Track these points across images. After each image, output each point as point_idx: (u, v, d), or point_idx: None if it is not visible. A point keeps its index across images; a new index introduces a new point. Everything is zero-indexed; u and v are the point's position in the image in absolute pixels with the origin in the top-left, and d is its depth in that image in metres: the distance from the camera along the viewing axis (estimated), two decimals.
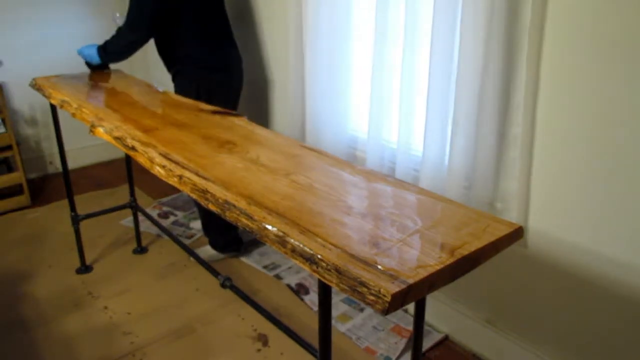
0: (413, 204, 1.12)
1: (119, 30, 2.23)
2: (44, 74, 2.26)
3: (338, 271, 0.87)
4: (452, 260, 0.91)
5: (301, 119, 2.35)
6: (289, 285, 2.30)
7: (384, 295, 0.81)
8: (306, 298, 2.21)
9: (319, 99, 2.19)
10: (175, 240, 2.24)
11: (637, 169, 1.35)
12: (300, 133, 2.36)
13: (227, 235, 2.47)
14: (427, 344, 1.92)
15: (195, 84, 2.29)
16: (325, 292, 1.03)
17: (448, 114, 1.72)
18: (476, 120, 1.63)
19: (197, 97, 2.19)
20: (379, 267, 0.88)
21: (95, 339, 1.98)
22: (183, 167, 1.28)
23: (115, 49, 2.26)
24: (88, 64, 2.34)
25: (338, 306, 2.14)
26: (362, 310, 2.11)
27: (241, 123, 1.65)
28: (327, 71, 2.13)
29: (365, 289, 0.83)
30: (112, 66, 2.42)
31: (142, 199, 3.06)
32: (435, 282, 0.88)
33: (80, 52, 2.30)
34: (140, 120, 1.63)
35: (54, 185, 3.37)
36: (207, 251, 2.50)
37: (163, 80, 2.48)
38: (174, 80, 2.39)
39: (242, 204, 1.09)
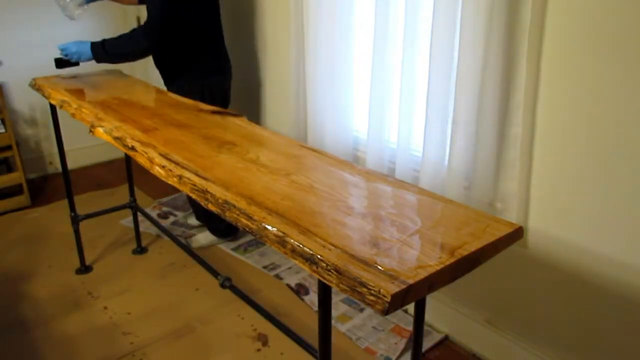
0: (413, 204, 1.12)
1: (135, 32, 2.15)
2: (44, 74, 2.26)
3: (338, 271, 0.87)
4: (452, 260, 0.90)
5: (303, 119, 2.35)
6: (289, 285, 2.30)
7: (384, 296, 0.81)
8: (306, 298, 2.21)
9: (321, 99, 2.19)
10: (175, 240, 2.24)
11: (637, 168, 1.35)
12: (302, 133, 2.37)
13: (227, 221, 2.50)
14: (427, 344, 1.92)
15: (200, 88, 2.32)
16: (325, 292, 1.03)
17: (448, 114, 1.72)
18: (476, 120, 1.63)
19: (202, 100, 2.20)
20: (379, 267, 0.88)
21: (95, 339, 1.98)
22: (183, 167, 1.28)
23: (125, 50, 2.15)
24: (60, 60, 2.19)
25: (338, 306, 2.13)
26: (362, 310, 2.11)
27: (241, 123, 1.65)
28: (328, 71, 2.13)
29: (365, 289, 0.83)
30: (111, 66, 2.42)
31: (142, 199, 3.06)
32: (435, 283, 0.88)
33: (65, 48, 2.15)
34: (140, 120, 1.63)
35: (54, 185, 3.37)
36: (206, 237, 2.56)
37: (163, 80, 2.48)
38: (171, 80, 2.39)
39: (242, 204, 1.09)
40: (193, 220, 2.80)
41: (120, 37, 2.17)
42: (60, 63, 2.22)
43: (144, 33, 2.14)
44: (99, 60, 2.18)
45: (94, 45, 2.15)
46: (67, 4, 2.23)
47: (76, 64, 2.22)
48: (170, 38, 2.19)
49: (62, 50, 2.18)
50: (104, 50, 2.15)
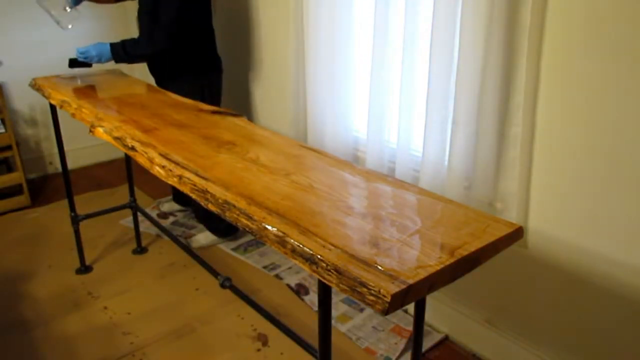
0: (413, 204, 1.12)
1: (154, 34, 2.22)
2: (44, 74, 2.26)
3: (338, 271, 0.87)
4: (452, 260, 0.90)
5: (303, 119, 2.35)
6: (289, 285, 2.30)
7: (384, 296, 0.81)
8: (306, 298, 2.21)
9: (321, 99, 2.19)
10: (175, 240, 2.24)
11: (636, 168, 1.35)
12: (302, 133, 2.37)
13: (227, 221, 2.54)
14: (427, 344, 1.92)
15: (200, 87, 2.35)
16: (325, 292, 1.03)
17: (448, 114, 1.72)
18: (476, 120, 1.63)
19: (202, 99, 2.22)
20: (379, 267, 0.88)
21: (95, 339, 1.98)
22: (183, 167, 1.27)
23: (145, 52, 2.25)
24: (74, 61, 2.22)
25: (338, 306, 2.13)
26: (362, 310, 2.11)
27: (241, 123, 1.65)
28: (328, 71, 2.13)
29: (365, 289, 0.83)
30: (112, 66, 2.42)
31: (142, 199, 3.06)
32: (435, 283, 0.88)
33: (85, 51, 2.18)
34: (140, 121, 1.63)
35: (54, 185, 3.37)
36: (206, 237, 2.59)
37: (156, 81, 2.49)
38: (170, 80, 2.39)
39: (242, 204, 1.09)
40: (172, 205, 2.94)
41: (140, 38, 2.26)
42: (74, 63, 2.25)
43: (163, 35, 2.21)
44: (118, 60, 2.24)
45: (113, 47, 2.20)
46: (60, 16, 2.28)
47: (89, 65, 2.26)
48: (183, 38, 2.25)
49: (82, 53, 2.21)
50: (124, 51, 2.21)
